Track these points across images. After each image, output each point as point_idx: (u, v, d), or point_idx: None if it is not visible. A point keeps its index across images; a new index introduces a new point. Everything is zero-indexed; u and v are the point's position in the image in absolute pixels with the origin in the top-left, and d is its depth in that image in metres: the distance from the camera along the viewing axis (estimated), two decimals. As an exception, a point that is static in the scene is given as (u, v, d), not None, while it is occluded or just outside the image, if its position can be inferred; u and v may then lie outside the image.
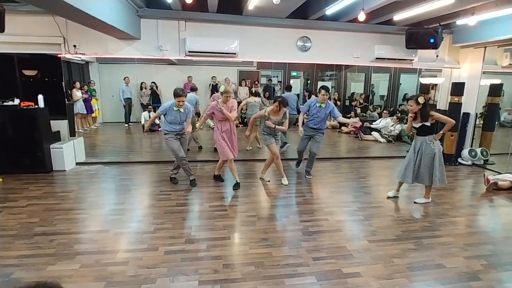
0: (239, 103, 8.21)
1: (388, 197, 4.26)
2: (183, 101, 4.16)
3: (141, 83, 9.72)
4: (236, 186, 4.48)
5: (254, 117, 4.76)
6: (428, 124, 3.87)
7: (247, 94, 8.97)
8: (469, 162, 6.17)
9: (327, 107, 4.74)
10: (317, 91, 4.95)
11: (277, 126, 4.49)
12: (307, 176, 5.07)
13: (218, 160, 4.75)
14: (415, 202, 4.13)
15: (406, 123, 6.78)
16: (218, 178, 4.81)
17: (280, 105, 4.42)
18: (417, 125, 3.93)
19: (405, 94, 9.51)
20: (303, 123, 5.02)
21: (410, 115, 4.00)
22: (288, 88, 7.28)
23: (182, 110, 4.23)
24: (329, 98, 4.97)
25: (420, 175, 4.01)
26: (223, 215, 3.64)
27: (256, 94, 7.00)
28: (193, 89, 6.77)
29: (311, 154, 4.96)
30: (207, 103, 8.23)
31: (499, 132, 7.43)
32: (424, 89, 7.48)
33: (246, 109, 6.81)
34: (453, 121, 3.91)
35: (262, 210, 3.85)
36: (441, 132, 4.09)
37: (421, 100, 3.79)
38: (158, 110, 4.36)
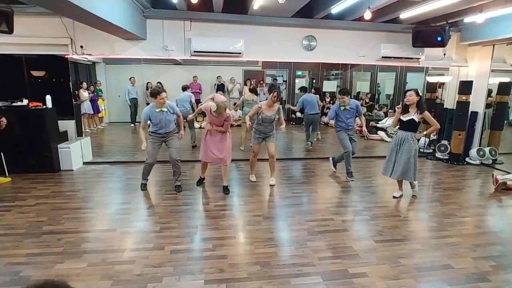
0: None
1: (394, 197, 4.23)
2: (163, 98, 3.88)
3: (147, 83, 9.80)
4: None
5: (250, 116, 4.50)
6: (416, 119, 3.93)
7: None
8: (477, 162, 6.09)
9: (351, 106, 4.80)
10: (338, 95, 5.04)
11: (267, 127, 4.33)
12: (350, 178, 4.94)
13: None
14: (394, 197, 4.21)
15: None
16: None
17: (278, 96, 4.20)
18: (406, 118, 3.98)
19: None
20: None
21: (398, 106, 4.08)
22: (304, 89, 7.25)
23: (165, 109, 3.98)
24: (333, 98, 4.98)
25: (396, 170, 4.07)
26: (228, 215, 3.65)
27: (254, 91, 6.73)
28: (184, 88, 6.89)
29: (351, 154, 4.96)
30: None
31: (508, 131, 7.32)
32: (431, 88, 7.39)
33: (242, 107, 6.69)
34: (438, 126, 4.06)
35: (267, 210, 3.85)
36: (425, 133, 4.23)
37: (419, 91, 3.90)
38: (142, 120, 4.01)
